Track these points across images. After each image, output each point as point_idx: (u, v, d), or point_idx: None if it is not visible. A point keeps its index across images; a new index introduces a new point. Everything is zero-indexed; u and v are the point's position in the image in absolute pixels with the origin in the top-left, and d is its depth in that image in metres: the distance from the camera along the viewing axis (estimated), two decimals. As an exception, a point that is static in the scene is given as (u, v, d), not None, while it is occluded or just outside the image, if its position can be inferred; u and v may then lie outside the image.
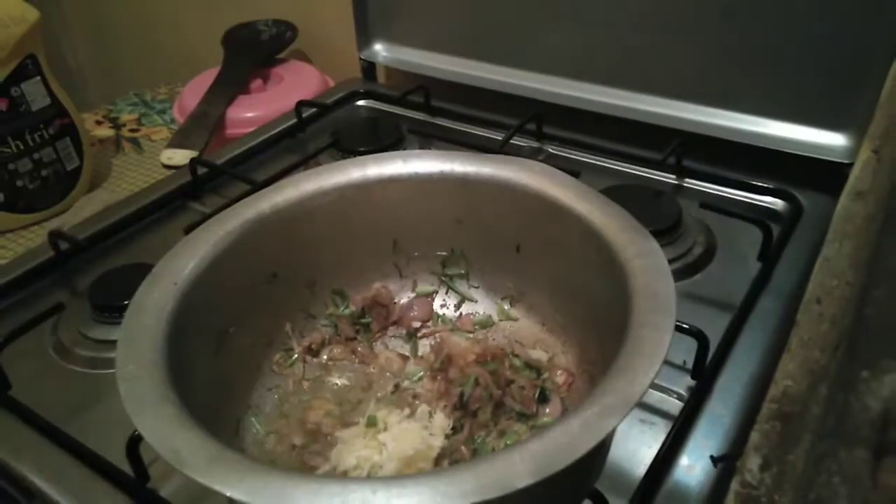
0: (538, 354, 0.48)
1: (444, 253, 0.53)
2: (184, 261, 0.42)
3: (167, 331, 0.38)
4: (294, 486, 0.28)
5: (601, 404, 0.30)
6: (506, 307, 0.52)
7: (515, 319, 0.52)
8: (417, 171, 0.49)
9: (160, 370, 0.35)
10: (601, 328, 0.41)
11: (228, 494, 0.28)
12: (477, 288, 0.53)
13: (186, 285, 0.41)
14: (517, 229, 0.49)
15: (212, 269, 0.43)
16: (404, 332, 0.52)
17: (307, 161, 0.78)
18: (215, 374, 0.43)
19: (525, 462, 0.28)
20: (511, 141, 0.75)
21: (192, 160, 0.76)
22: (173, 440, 0.31)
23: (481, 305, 0.53)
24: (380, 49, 0.95)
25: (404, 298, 0.54)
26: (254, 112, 0.93)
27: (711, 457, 0.45)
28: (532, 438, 0.29)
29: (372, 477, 0.39)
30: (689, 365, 0.50)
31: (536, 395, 0.45)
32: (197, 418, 0.33)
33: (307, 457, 0.43)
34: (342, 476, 0.39)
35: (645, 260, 0.38)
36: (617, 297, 0.38)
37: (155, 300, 0.40)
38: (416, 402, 0.46)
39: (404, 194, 0.50)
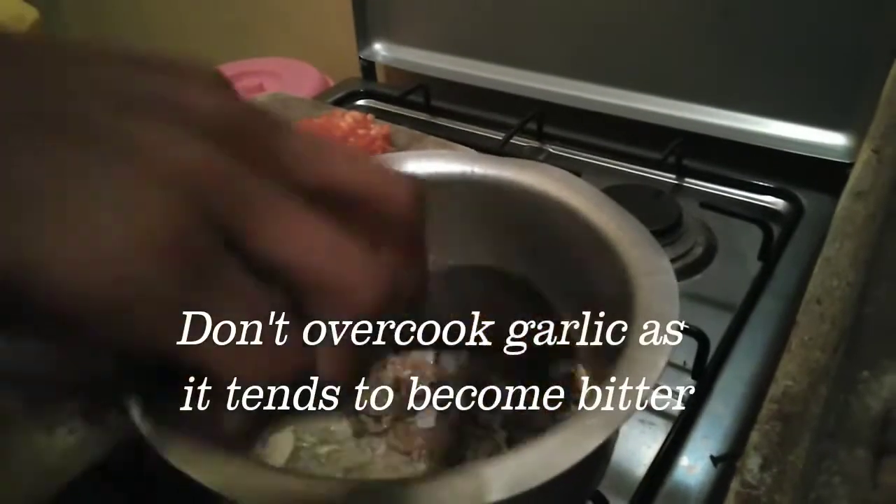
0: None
1: (456, 260, 0.52)
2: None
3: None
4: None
5: (582, 425, 0.30)
6: None
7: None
8: (438, 170, 0.49)
9: None
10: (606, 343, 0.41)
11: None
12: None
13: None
14: (532, 237, 0.48)
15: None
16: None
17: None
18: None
19: (498, 477, 0.28)
20: (511, 140, 0.75)
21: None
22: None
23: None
24: (379, 48, 0.95)
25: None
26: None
27: (712, 457, 0.45)
28: (510, 454, 0.29)
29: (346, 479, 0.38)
30: (689, 365, 0.50)
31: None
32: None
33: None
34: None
35: (654, 279, 0.38)
36: (621, 314, 0.37)
37: None
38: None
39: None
